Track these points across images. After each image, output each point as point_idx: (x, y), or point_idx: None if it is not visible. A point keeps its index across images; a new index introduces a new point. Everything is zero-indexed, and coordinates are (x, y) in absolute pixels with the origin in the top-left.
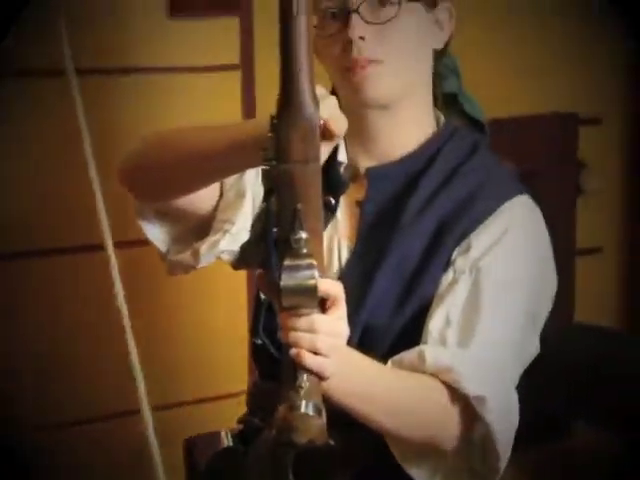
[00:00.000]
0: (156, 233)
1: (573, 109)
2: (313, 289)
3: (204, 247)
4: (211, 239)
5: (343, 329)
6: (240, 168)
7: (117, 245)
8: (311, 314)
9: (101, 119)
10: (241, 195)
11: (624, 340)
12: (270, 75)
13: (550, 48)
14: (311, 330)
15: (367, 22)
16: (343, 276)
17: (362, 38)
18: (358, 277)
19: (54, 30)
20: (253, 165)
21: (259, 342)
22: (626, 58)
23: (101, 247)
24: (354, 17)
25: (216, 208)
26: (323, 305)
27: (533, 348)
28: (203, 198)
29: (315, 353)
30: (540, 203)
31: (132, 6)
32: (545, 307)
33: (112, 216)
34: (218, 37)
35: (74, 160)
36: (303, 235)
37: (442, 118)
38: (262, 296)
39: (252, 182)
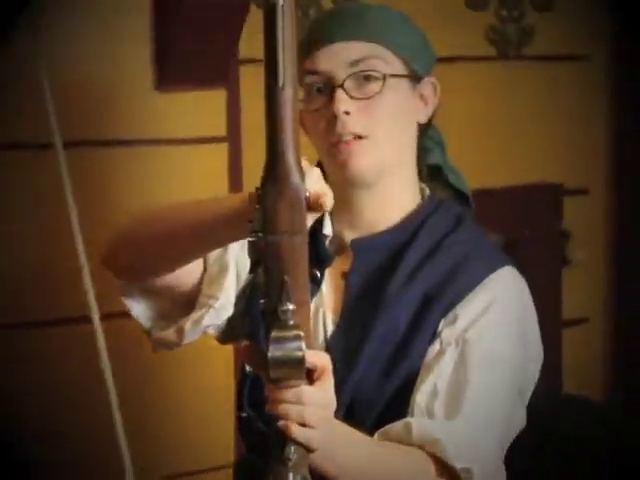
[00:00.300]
0: (141, 310)
1: (558, 179)
2: (301, 361)
3: (188, 324)
4: (195, 315)
5: (331, 401)
6: (225, 241)
7: (103, 317)
8: (299, 386)
9: (87, 191)
10: (224, 269)
11: (609, 411)
12: (257, 147)
13: (537, 119)
14: (299, 402)
15: (352, 97)
16: (329, 348)
17: (347, 113)
18: (344, 349)
19: (40, 103)
20: (238, 238)
21: (244, 415)
22: (612, 130)
23: (87, 319)
24: (339, 92)
25: (200, 282)
26: (310, 377)
27: (520, 420)
28: (187, 273)
29: (303, 425)
30: (526, 273)
31: (118, 78)
32: (531, 379)
33: (99, 287)
34: (205, 109)
35: (60, 233)
36: (290, 307)
37: (427, 190)
38: (247, 369)
39: (235, 255)
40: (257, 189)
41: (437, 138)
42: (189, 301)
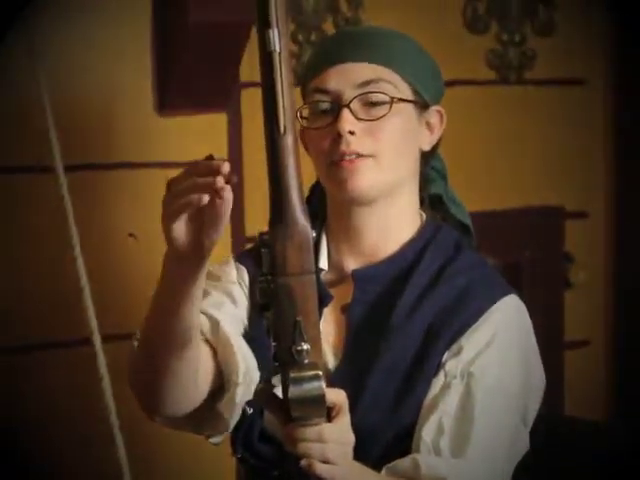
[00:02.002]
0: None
1: (558, 202)
2: (321, 399)
3: (226, 411)
4: (226, 397)
5: (350, 437)
6: (184, 288)
7: (104, 339)
8: (319, 424)
9: (88, 214)
10: (227, 341)
11: (611, 433)
12: (258, 170)
13: (537, 142)
14: (320, 440)
15: (357, 118)
16: (332, 381)
17: (352, 133)
18: (349, 381)
19: (40, 127)
20: (188, 280)
21: (239, 456)
22: (612, 154)
23: (89, 341)
24: (345, 112)
25: (220, 367)
26: (328, 414)
27: (523, 445)
28: (207, 381)
29: (325, 462)
30: (528, 295)
31: (120, 102)
32: (534, 405)
33: (100, 309)
34: (206, 133)
35: (61, 256)
36: (305, 346)
37: (424, 215)
38: (248, 411)
39: (231, 321)
40: (261, 234)
41: (440, 168)
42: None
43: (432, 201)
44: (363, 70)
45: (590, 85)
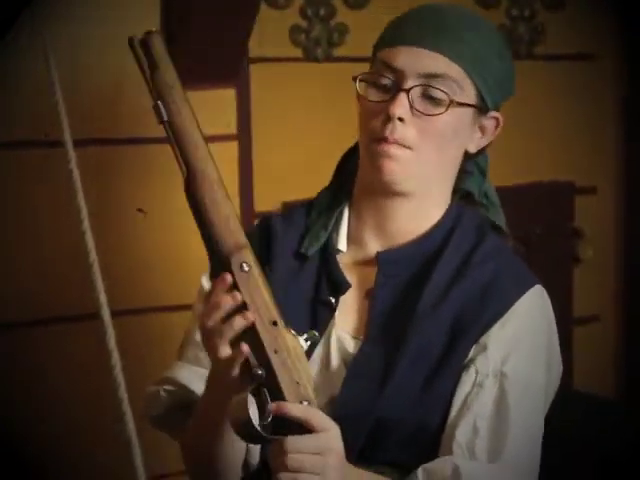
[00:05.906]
0: None
1: (567, 178)
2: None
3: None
4: None
5: (332, 445)
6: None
7: (114, 314)
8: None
9: (97, 190)
10: None
11: (620, 408)
12: (267, 144)
13: (546, 117)
14: (291, 451)
15: (412, 107)
16: (357, 366)
17: (401, 120)
18: (373, 369)
19: (45, 101)
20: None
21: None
22: (622, 129)
23: (97, 316)
24: (401, 96)
25: None
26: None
27: (542, 424)
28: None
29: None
30: (537, 271)
31: (128, 77)
32: (554, 389)
33: (109, 285)
34: (215, 108)
35: (69, 230)
36: (259, 372)
37: (450, 199)
38: None
39: None
40: None
41: (483, 164)
42: None
43: (467, 194)
44: (433, 60)
45: (600, 60)
